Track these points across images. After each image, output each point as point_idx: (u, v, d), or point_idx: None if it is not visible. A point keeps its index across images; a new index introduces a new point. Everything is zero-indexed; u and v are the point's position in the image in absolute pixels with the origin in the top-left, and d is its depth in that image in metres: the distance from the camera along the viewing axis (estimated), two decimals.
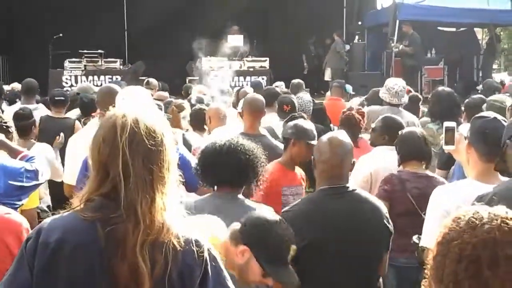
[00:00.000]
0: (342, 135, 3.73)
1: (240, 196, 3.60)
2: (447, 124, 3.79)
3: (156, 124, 2.08)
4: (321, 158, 3.62)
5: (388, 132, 5.33)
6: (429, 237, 3.56)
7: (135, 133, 2.03)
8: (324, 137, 3.72)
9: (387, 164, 5.06)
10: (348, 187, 3.60)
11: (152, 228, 2.01)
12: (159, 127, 2.08)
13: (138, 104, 2.16)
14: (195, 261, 2.05)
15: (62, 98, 7.82)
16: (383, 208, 3.66)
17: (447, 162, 5.47)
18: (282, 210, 3.64)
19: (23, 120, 6.22)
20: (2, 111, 6.67)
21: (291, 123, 5.02)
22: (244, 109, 5.48)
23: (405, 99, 7.39)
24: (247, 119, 5.42)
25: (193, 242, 2.06)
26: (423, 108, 8.42)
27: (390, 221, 3.66)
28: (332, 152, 3.58)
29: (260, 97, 5.82)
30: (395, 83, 7.34)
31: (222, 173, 3.56)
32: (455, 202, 3.42)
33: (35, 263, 2.03)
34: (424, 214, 3.76)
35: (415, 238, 4.04)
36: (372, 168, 5.16)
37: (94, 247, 2.00)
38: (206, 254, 2.07)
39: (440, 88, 7.56)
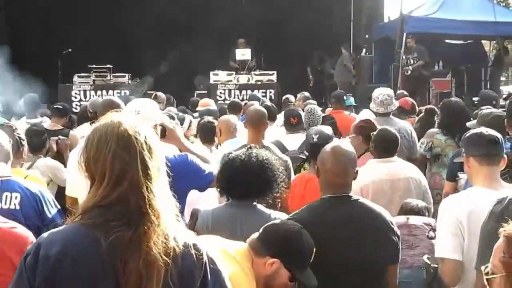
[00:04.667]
0: (345, 144, 3.74)
1: (256, 204, 3.65)
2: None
3: (152, 132, 2.19)
4: (324, 168, 3.63)
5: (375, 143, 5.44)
6: (444, 247, 3.59)
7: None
8: (328, 147, 3.72)
9: (376, 177, 5.13)
10: (350, 196, 3.60)
11: (164, 227, 2.06)
12: (155, 135, 2.20)
13: (129, 114, 2.26)
14: (195, 264, 2.08)
15: (59, 106, 7.92)
16: (388, 219, 3.62)
17: (455, 174, 5.48)
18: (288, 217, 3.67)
19: (34, 136, 6.28)
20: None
21: None
22: (246, 122, 5.52)
23: (392, 107, 7.42)
24: (249, 131, 5.46)
25: (191, 246, 2.10)
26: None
27: (397, 232, 3.63)
28: (335, 162, 3.59)
29: (262, 109, 5.85)
30: (380, 93, 7.40)
31: (247, 186, 3.61)
32: (465, 210, 3.49)
33: (36, 278, 2.02)
34: None
35: (425, 258, 4.05)
36: (362, 182, 5.20)
37: (96, 258, 2.01)
38: (205, 257, 2.11)
39: (452, 99, 7.58)
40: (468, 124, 5.89)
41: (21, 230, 3.08)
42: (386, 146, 5.33)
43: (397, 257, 3.65)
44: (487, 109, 5.87)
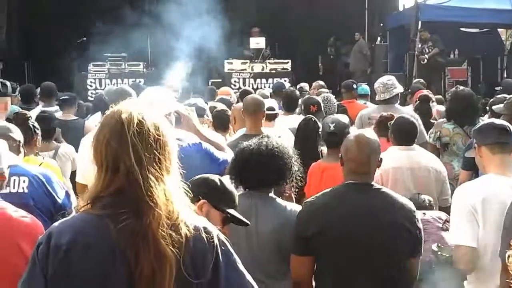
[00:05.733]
0: (368, 133, 3.74)
1: (271, 194, 3.66)
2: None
3: (158, 117, 2.15)
4: (348, 156, 3.64)
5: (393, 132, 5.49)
6: (460, 233, 3.59)
7: (142, 125, 2.08)
8: (351, 135, 3.73)
9: (396, 164, 5.17)
10: (372, 184, 3.60)
11: (169, 213, 2.06)
12: (161, 119, 2.16)
13: (138, 101, 2.23)
14: (206, 247, 2.08)
15: (67, 97, 7.97)
16: (411, 211, 3.56)
17: (471, 163, 5.48)
18: (305, 200, 3.69)
19: (44, 123, 6.32)
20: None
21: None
22: (244, 110, 5.53)
23: (386, 95, 7.40)
24: (248, 120, 5.47)
25: (202, 229, 2.10)
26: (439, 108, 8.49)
27: (418, 224, 3.56)
28: (358, 151, 3.59)
29: (259, 97, 5.86)
30: (377, 82, 7.44)
31: (259, 175, 3.62)
32: (479, 196, 3.51)
33: (49, 267, 2.05)
34: None
35: (434, 246, 4.04)
36: (382, 168, 5.23)
37: (107, 245, 2.02)
38: (216, 240, 2.11)
39: (459, 88, 7.57)
40: (494, 107, 5.87)
41: (31, 219, 3.12)
42: (403, 134, 5.36)
43: (416, 250, 3.59)
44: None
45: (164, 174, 2.09)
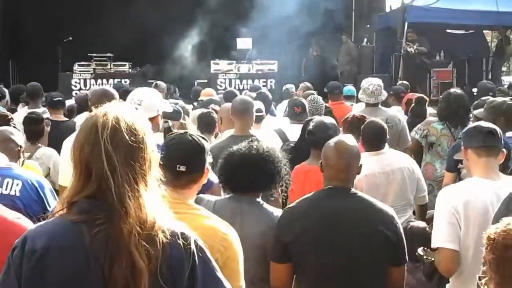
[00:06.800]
0: (348, 139, 3.72)
1: (258, 199, 3.62)
2: None
3: (137, 122, 2.09)
4: (327, 163, 3.62)
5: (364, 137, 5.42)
6: (442, 236, 3.59)
7: (116, 130, 2.03)
8: (331, 142, 3.70)
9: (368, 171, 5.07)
10: (350, 189, 3.58)
11: (142, 222, 2.01)
12: (140, 125, 2.09)
13: (121, 104, 2.17)
14: (183, 254, 2.04)
15: (60, 98, 7.89)
16: (389, 217, 3.51)
17: (455, 165, 5.48)
18: (286, 206, 3.68)
19: (33, 124, 6.24)
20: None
21: None
22: (233, 112, 5.50)
23: (382, 97, 7.43)
24: (236, 121, 5.44)
25: (179, 235, 2.05)
26: (433, 111, 8.43)
27: (398, 229, 3.50)
28: (338, 157, 3.58)
29: (247, 99, 5.84)
30: (370, 83, 7.42)
31: (250, 179, 3.57)
32: (461, 199, 3.52)
33: (22, 271, 2.02)
34: None
35: (420, 250, 4.04)
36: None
37: (81, 250, 1.99)
38: (193, 246, 2.07)
39: (452, 90, 7.57)
40: (475, 112, 5.86)
41: (25, 221, 3.08)
42: (374, 138, 5.32)
43: (397, 258, 3.52)
44: (490, 99, 5.86)
45: (140, 181, 2.05)
